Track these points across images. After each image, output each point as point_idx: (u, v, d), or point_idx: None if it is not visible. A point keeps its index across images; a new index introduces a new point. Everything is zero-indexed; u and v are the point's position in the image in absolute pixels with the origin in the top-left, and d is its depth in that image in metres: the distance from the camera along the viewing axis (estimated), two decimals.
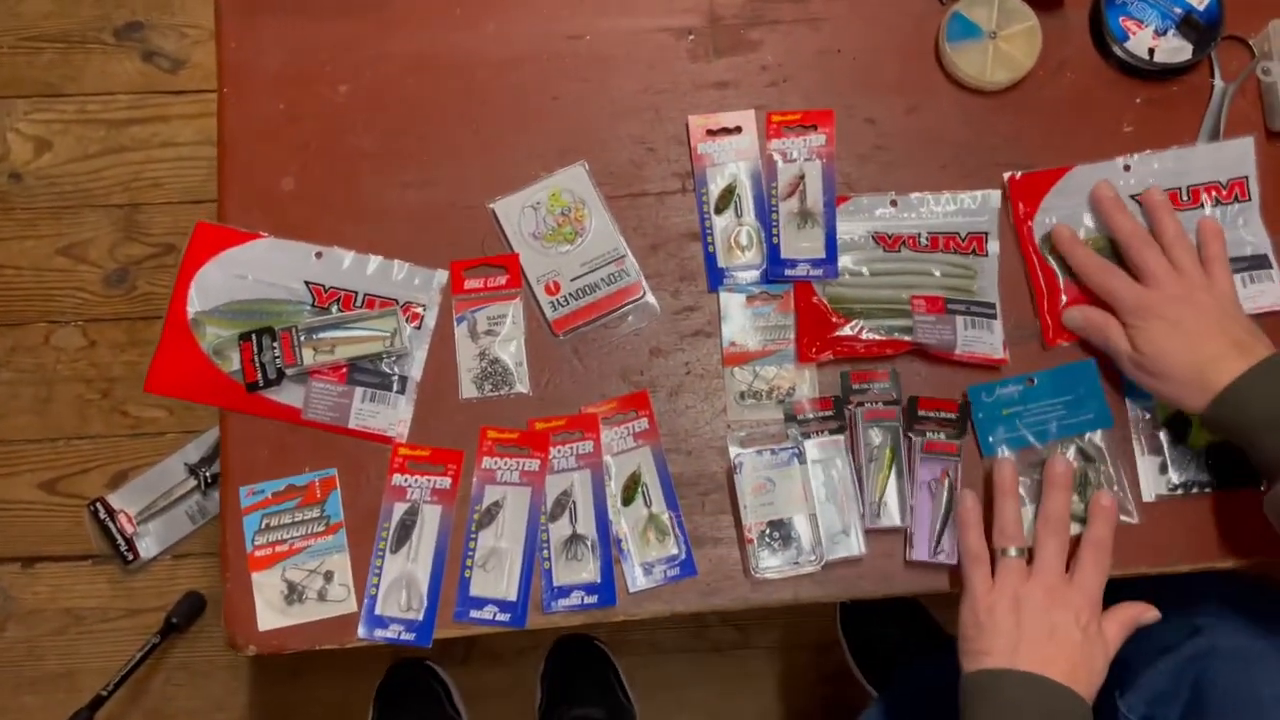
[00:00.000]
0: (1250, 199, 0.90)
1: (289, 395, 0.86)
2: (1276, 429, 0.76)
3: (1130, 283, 0.84)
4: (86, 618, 1.47)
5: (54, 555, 1.48)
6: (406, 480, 0.86)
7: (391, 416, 0.86)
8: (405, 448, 0.86)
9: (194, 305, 0.88)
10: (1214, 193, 0.90)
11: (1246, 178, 0.90)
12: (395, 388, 0.86)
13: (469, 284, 0.89)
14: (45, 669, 1.47)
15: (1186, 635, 0.87)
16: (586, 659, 1.44)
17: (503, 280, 0.89)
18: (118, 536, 1.45)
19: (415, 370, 0.87)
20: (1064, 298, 0.89)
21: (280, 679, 1.48)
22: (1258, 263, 0.89)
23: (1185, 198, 0.90)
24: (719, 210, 0.91)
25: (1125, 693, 0.90)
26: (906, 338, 0.87)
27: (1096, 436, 0.87)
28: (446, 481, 0.86)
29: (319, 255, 0.89)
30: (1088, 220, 0.90)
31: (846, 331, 0.88)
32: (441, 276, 0.89)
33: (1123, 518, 0.86)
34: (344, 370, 0.86)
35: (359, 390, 0.86)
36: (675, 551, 0.85)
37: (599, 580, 0.84)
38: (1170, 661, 0.87)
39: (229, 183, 0.90)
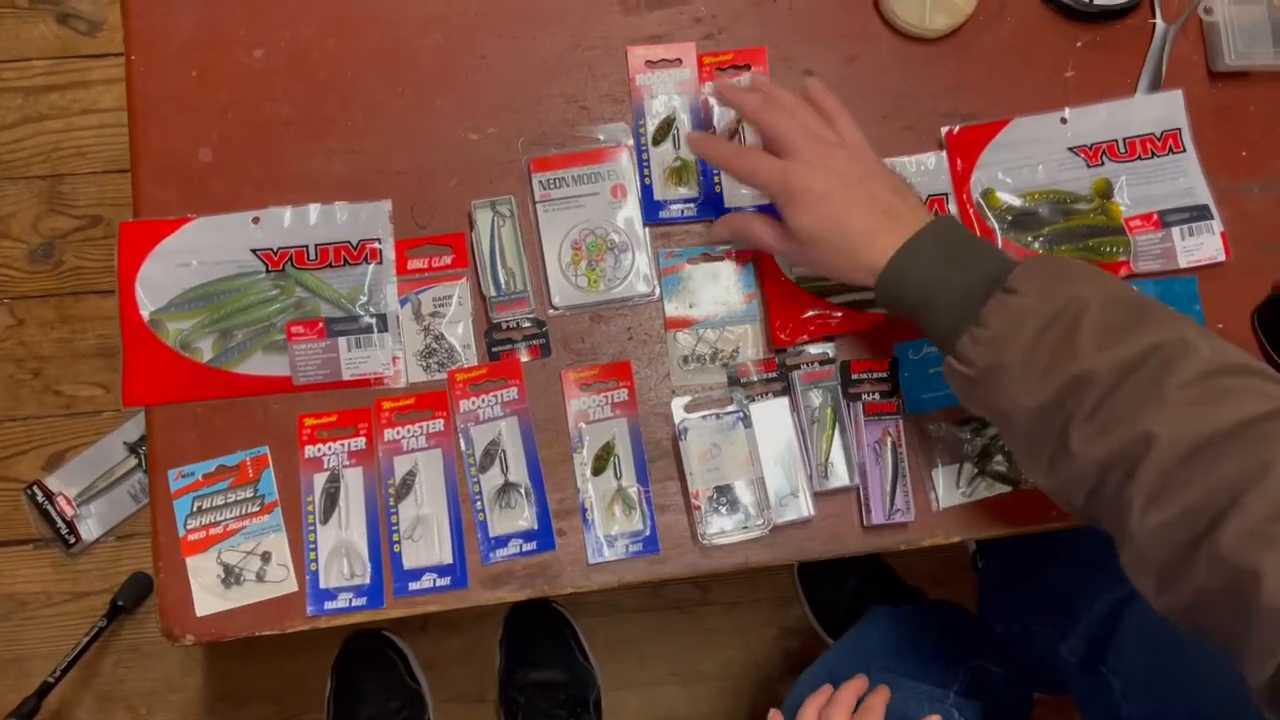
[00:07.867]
0: (1185, 149, 0.89)
1: (274, 367, 0.84)
2: (928, 308, 0.71)
3: (770, 157, 0.77)
4: (31, 603, 1.44)
5: None
6: (320, 450, 0.83)
7: (382, 357, 0.84)
8: (310, 417, 0.83)
9: (145, 307, 0.84)
10: (1149, 145, 0.89)
11: (1179, 129, 0.89)
12: (376, 328, 0.84)
13: (412, 264, 0.86)
14: None
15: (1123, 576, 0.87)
16: (545, 622, 1.43)
17: (448, 260, 0.86)
18: (58, 520, 1.41)
19: (391, 304, 0.85)
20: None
21: (235, 655, 1.46)
22: (1199, 214, 0.88)
23: (1122, 149, 0.89)
24: (656, 141, 0.88)
25: (1067, 637, 0.92)
26: (878, 309, 0.85)
27: None
28: (361, 442, 0.83)
29: (256, 220, 0.85)
30: (1024, 175, 0.88)
31: (816, 312, 0.85)
32: (386, 205, 0.86)
33: None
34: (321, 326, 0.84)
35: (342, 341, 0.84)
36: (640, 528, 0.83)
37: (536, 526, 0.83)
38: (1105, 603, 0.88)
39: (142, 156, 0.86)
